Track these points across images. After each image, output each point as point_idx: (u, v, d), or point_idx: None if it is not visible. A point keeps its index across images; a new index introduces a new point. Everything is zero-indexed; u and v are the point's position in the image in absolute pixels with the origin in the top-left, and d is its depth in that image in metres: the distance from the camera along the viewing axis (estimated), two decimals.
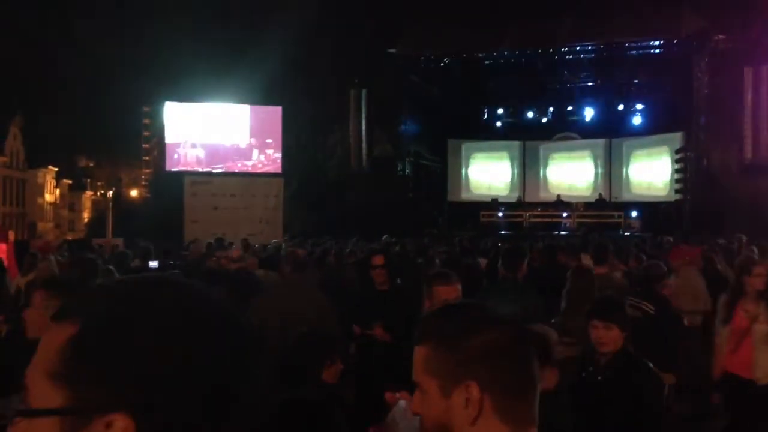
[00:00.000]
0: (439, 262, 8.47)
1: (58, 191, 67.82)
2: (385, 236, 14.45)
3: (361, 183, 24.84)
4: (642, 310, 5.33)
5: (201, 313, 0.84)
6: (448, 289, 3.79)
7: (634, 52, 24.89)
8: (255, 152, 25.36)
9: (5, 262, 9.43)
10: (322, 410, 2.94)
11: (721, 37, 22.25)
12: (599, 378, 3.55)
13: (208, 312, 0.84)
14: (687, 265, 7.51)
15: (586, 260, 6.91)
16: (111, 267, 7.04)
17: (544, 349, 2.76)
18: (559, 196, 26.98)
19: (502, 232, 23.76)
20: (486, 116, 29.63)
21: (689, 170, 23.76)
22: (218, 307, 0.86)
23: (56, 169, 65.32)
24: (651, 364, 3.53)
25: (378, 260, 5.82)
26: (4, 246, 10.61)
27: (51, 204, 66.04)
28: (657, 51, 24.87)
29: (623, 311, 3.73)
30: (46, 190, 64.50)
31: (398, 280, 6.28)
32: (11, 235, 11.56)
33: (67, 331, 0.79)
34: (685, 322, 6.14)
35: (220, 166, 25.06)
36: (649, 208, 25.81)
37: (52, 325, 0.82)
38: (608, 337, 3.56)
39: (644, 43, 24.51)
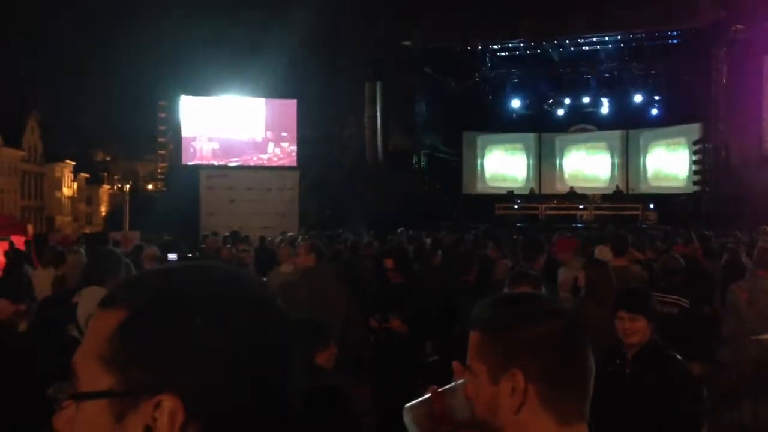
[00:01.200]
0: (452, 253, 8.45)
1: (75, 185, 68.32)
2: (400, 229, 14.42)
3: (376, 175, 24.82)
4: (679, 306, 5.30)
5: (242, 296, 0.85)
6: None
7: (652, 42, 24.67)
8: (270, 145, 25.41)
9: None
10: (340, 396, 2.94)
11: (739, 26, 21.99)
12: (627, 371, 3.52)
13: (248, 295, 0.86)
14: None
15: (605, 252, 6.85)
16: (128, 261, 7.08)
17: None
18: (572, 188, 26.83)
19: (518, 224, 23.66)
20: (502, 108, 29.49)
21: (707, 161, 23.54)
22: (258, 291, 0.88)
23: (74, 163, 65.78)
24: (679, 356, 3.50)
25: (389, 263, 5.80)
26: (23, 239, 10.75)
27: (69, 198, 66.54)
28: (675, 41, 24.63)
29: (650, 302, 3.67)
30: (63, 184, 64.99)
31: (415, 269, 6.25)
32: (30, 229, 11.70)
33: (116, 317, 0.81)
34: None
35: (235, 159, 25.14)
36: (667, 200, 25.60)
37: (100, 312, 0.84)
38: (635, 328, 3.52)
39: (662, 34, 24.28)
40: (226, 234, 13.44)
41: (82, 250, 8.36)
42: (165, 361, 0.78)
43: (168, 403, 0.77)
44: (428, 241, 11.32)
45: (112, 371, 0.79)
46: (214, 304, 0.82)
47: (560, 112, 28.69)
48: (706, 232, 11.35)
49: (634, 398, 3.38)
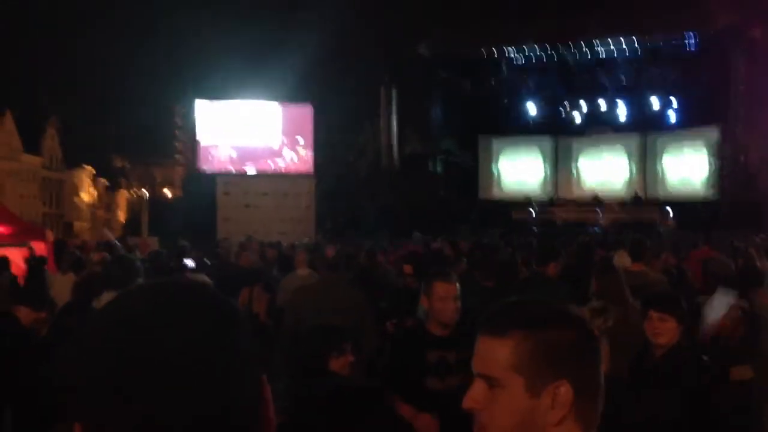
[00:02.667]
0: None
1: (94, 191, 68.89)
2: (416, 233, 14.42)
3: (392, 181, 24.84)
4: (741, 308, 5.27)
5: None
6: (447, 287, 3.69)
7: (669, 46, 24.51)
8: (286, 150, 25.50)
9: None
10: (373, 396, 2.94)
11: (756, 29, 21.82)
12: (655, 372, 3.53)
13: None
14: None
15: (623, 257, 6.81)
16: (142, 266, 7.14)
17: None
18: (597, 195, 26.63)
19: (535, 229, 23.56)
20: (517, 112, 29.37)
21: (726, 166, 23.32)
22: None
23: (92, 169, 66.35)
24: (705, 358, 3.52)
25: (407, 269, 5.85)
26: (43, 245, 10.85)
27: (88, 204, 67.10)
28: (692, 44, 24.46)
29: (680, 304, 3.70)
30: (82, 190, 65.56)
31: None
32: (50, 235, 11.81)
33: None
34: None
35: (252, 164, 25.23)
36: (685, 205, 25.35)
37: None
38: (664, 328, 3.55)
39: (679, 36, 24.13)
40: (242, 239, 13.52)
41: (108, 256, 8.46)
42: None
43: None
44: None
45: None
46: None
47: (577, 116, 28.53)
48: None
49: (661, 399, 3.38)
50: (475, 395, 1.20)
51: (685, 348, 3.56)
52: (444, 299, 3.61)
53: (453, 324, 3.63)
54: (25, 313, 3.92)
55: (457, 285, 3.74)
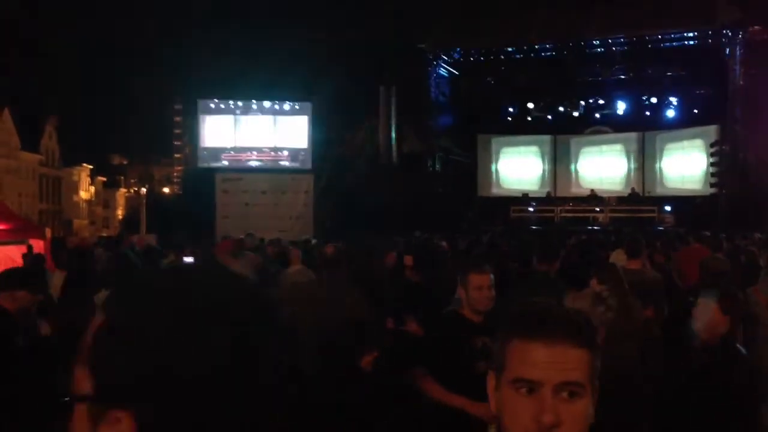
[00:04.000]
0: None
1: (93, 189, 68.86)
2: (417, 231, 14.42)
3: (390, 179, 24.83)
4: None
5: (206, 305, 0.83)
6: (482, 277, 3.94)
7: (668, 43, 24.51)
8: (285, 149, 25.48)
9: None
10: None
11: (756, 27, 21.83)
12: (698, 362, 3.57)
13: (210, 305, 0.84)
14: None
15: (619, 255, 6.82)
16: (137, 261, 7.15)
17: None
18: (592, 190, 26.62)
19: (533, 227, 23.57)
20: (516, 110, 29.37)
21: (724, 164, 23.35)
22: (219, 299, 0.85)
23: (91, 166, 66.31)
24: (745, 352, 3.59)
25: (408, 260, 5.87)
26: (41, 243, 10.83)
27: (86, 201, 67.07)
28: (691, 42, 24.46)
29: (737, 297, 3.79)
30: (81, 188, 65.52)
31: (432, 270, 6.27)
32: (48, 233, 11.80)
33: (98, 321, 0.83)
34: None
35: (251, 162, 25.22)
36: (684, 202, 25.39)
37: (98, 315, 0.85)
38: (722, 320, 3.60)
39: (677, 35, 24.12)
40: (241, 237, 13.50)
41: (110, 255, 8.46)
42: (117, 373, 0.81)
43: (126, 420, 0.81)
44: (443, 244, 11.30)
45: (90, 375, 0.83)
46: (169, 316, 0.82)
47: (575, 114, 28.52)
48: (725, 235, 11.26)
49: (700, 391, 3.42)
50: (583, 410, 1.19)
51: (729, 342, 3.59)
52: (480, 288, 3.90)
53: (486, 311, 3.91)
54: (22, 295, 3.95)
55: (491, 275, 4.00)
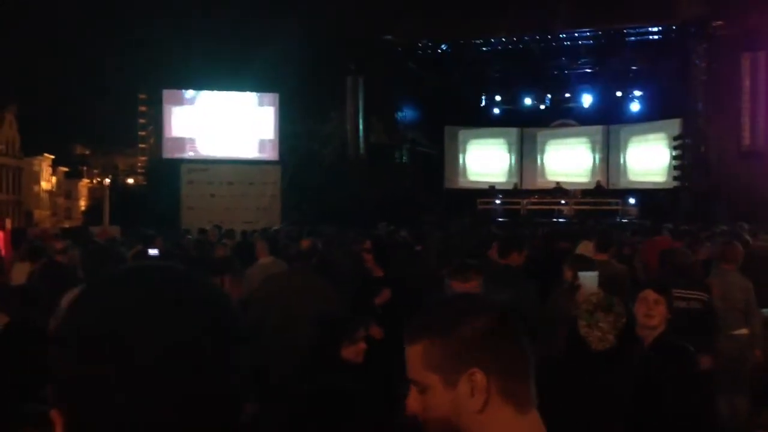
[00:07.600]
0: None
1: (54, 179, 67.66)
2: (382, 223, 14.40)
3: (357, 170, 24.77)
4: (702, 301, 5.32)
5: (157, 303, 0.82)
6: (465, 286, 3.81)
7: (632, 38, 24.80)
8: (252, 139, 25.25)
9: (2, 251, 9.40)
10: (355, 400, 2.88)
11: (719, 23, 22.16)
12: (642, 358, 3.54)
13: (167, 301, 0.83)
14: None
15: (588, 247, 6.87)
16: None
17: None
18: (558, 183, 26.87)
19: (500, 219, 23.71)
20: (483, 103, 29.52)
21: (687, 157, 23.73)
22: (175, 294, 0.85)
23: (52, 156, 65.12)
24: (692, 348, 3.54)
25: (367, 244, 5.83)
26: (1, 233, 10.60)
27: (47, 192, 65.90)
28: (655, 37, 24.78)
29: (671, 292, 3.73)
30: (42, 178, 64.34)
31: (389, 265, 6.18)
32: (8, 223, 11.54)
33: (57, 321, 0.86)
34: None
35: (217, 153, 24.94)
36: (647, 195, 25.79)
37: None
38: (657, 311, 3.56)
39: (642, 29, 24.42)
40: (206, 228, 13.37)
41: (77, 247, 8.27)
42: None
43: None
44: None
45: None
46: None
47: (542, 107, 28.77)
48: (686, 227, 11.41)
49: (650, 385, 3.39)
50: (410, 401, 1.31)
51: (671, 337, 3.57)
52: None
53: None
54: None
55: (478, 282, 3.84)
